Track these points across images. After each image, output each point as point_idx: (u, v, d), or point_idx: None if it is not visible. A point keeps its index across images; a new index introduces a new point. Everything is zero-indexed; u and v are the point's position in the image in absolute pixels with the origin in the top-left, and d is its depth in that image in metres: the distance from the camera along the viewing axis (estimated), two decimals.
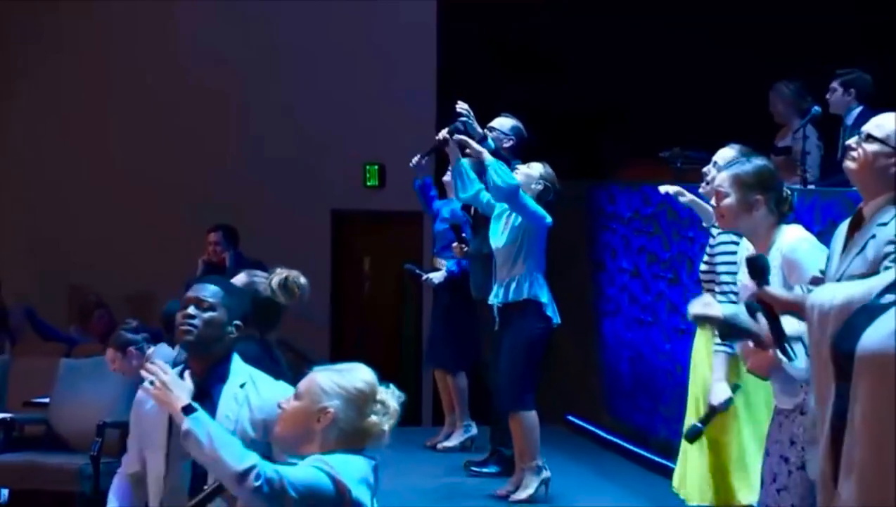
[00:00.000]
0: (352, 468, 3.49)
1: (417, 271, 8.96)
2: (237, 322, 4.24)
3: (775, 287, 3.97)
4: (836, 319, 3.56)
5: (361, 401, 3.57)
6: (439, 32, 11.35)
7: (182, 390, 3.70)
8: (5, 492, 9.04)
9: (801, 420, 4.54)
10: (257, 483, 3.40)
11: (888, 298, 3.34)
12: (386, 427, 3.58)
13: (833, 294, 3.63)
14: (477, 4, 10.73)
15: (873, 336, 3.19)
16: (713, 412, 5.31)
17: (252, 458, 3.49)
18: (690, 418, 5.60)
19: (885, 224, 3.91)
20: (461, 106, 7.57)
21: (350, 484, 3.46)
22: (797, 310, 3.83)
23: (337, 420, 3.53)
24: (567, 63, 9.99)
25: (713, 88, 9.05)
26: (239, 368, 4.23)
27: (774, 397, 4.75)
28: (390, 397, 3.61)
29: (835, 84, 7.70)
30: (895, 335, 3.12)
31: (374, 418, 3.56)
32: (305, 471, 3.46)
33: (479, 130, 7.56)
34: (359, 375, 3.62)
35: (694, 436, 5.25)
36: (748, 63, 8.94)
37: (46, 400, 9.20)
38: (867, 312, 3.32)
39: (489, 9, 10.51)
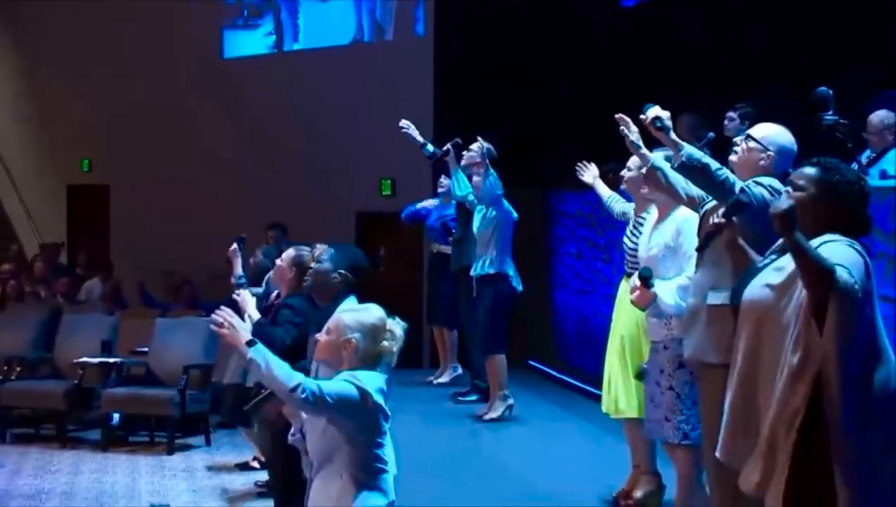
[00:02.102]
0: (372, 380, 3.52)
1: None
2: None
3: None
4: None
5: (376, 332, 3.59)
6: (435, 76, 11.42)
7: (244, 330, 3.51)
8: (116, 415, 9.18)
9: (665, 354, 4.58)
10: (303, 396, 3.39)
11: (770, 259, 3.28)
12: (395, 349, 3.62)
13: None
14: (462, 52, 10.80)
15: (750, 290, 3.20)
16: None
17: (299, 377, 3.43)
18: (613, 350, 5.41)
19: None
20: (403, 122, 7.70)
21: (371, 391, 3.49)
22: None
23: (358, 348, 3.56)
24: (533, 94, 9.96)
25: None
26: None
27: (647, 331, 4.75)
28: (397, 327, 3.64)
29: (732, 114, 7.47)
30: (765, 287, 3.13)
31: (385, 343, 3.60)
32: (338, 384, 3.48)
33: (420, 139, 7.74)
34: (373, 312, 3.65)
35: (641, 375, 4.91)
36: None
37: (146, 349, 9.34)
38: (752, 272, 3.30)
39: (473, 52, 10.57)
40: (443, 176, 8.37)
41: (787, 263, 3.09)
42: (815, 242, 3.04)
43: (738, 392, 3.19)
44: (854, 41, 7.84)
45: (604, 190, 6.12)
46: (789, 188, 3.23)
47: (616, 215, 5.95)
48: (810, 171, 3.22)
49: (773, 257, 3.26)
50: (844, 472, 2.93)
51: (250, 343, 3.46)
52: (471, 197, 7.56)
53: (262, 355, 3.44)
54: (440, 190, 8.64)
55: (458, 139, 7.58)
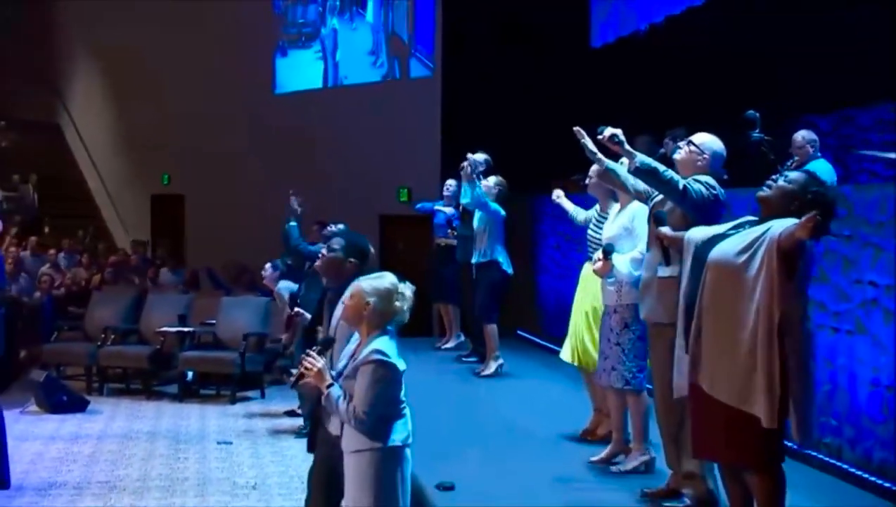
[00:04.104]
0: (391, 348, 3.46)
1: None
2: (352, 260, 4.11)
3: (667, 229, 3.86)
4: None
5: (389, 295, 3.51)
6: (442, 104, 11.41)
7: (327, 373, 3.48)
8: (190, 373, 9.23)
9: (615, 316, 4.58)
10: (355, 423, 3.40)
11: (731, 232, 3.37)
12: (405, 308, 3.54)
13: (695, 233, 3.60)
14: (464, 86, 10.74)
15: (719, 249, 3.29)
16: None
17: (341, 405, 3.41)
18: (580, 319, 5.32)
19: None
20: (468, 158, 7.27)
21: (395, 360, 3.44)
22: (677, 242, 3.78)
23: (375, 309, 3.48)
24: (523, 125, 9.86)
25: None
26: None
27: (602, 296, 4.70)
28: (407, 289, 3.56)
29: (667, 140, 6.99)
30: (733, 251, 3.23)
31: (398, 303, 3.52)
32: (369, 389, 3.38)
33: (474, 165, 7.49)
34: (387, 279, 3.56)
35: None
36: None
37: (214, 321, 9.42)
38: (716, 239, 3.39)
39: (473, 86, 10.49)
40: (448, 180, 8.40)
41: (751, 233, 3.25)
42: (781, 221, 3.20)
43: (709, 321, 3.26)
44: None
45: (568, 205, 6.05)
46: (781, 179, 3.34)
47: (579, 223, 5.87)
48: (802, 175, 3.38)
49: (740, 228, 3.36)
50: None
51: (330, 386, 3.46)
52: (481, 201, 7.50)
53: (336, 395, 3.45)
54: (445, 193, 8.64)
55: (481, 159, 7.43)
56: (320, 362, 3.50)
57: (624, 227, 4.70)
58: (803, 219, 2.99)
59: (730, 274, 3.20)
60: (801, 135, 6.81)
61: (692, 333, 3.29)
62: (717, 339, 3.24)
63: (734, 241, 3.28)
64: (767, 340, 3.09)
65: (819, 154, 6.79)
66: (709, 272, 3.29)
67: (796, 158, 6.80)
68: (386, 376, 3.40)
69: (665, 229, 3.83)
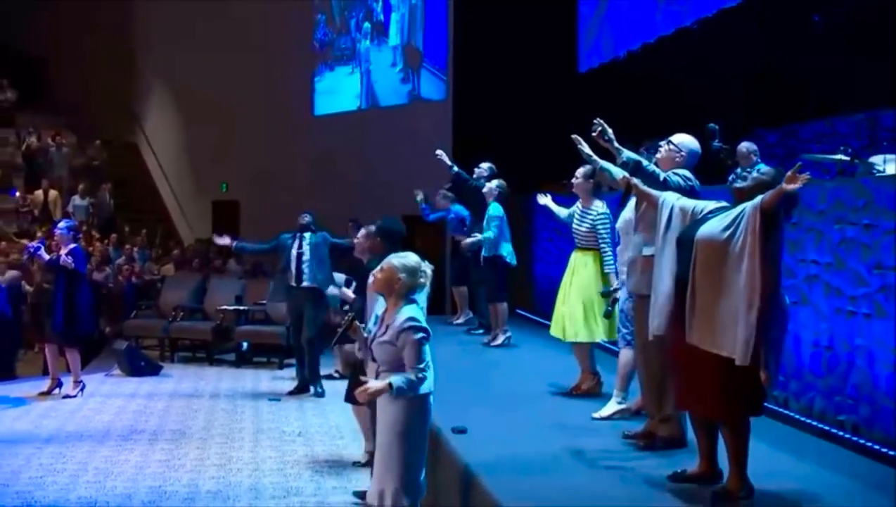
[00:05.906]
0: (420, 314, 3.49)
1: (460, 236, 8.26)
2: None
3: (639, 182, 3.84)
4: (676, 214, 3.53)
5: (414, 271, 3.53)
6: (453, 123, 11.44)
7: (379, 384, 3.38)
8: (245, 344, 9.26)
9: (624, 290, 4.49)
10: (425, 384, 3.41)
11: (711, 214, 3.36)
12: (426, 283, 3.56)
13: (675, 199, 3.61)
14: (472, 109, 10.79)
15: (705, 230, 3.27)
16: (607, 294, 4.94)
17: (424, 381, 3.39)
18: (573, 298, 5.32)
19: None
20: (439, 151, 7.48)
21: (425, 324, 3.46)
22: (647, 199, 3.74)
23: (403, 282, 3.51)
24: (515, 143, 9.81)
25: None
26: None
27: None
28: (427, 267, 3.59)
29: (642, 150, 7.28)
30: (718, 230, 3.21)
31: (421, 279, 3.55)
32: (416, 347, 3.38)
33: (449, 162, 7.56)
34: (413, 258, 3.59)
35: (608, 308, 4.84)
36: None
37: (264, 301, 9.42)
38: (699, 221, 3.37)
39: (479, 109, 10.50)
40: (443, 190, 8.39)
41: (731, 213, 3.24)
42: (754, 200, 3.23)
43: (702, 290, 3.23)
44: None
45: (552, 206, 5.89)
46: (755, 172, 3.40)
47: (564, 219, 5.72)
48: (772, 170, 3.44)
49: (719, 211, 3.35)
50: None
51: (390, 386, 3.35)
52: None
53: (399, 387, 3.36)
54: (441, 202, 8.61)
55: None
56: (371, 381, 3.46)
57: (627, 219, 4.67)
58: (789, 173, 2.96)
59: (717, 248, 3.20)
60: (745, 146, 6.79)
61: (687, 303, 3.28)
62: (712, 305, 3.21)
63: (716, 222, 3.28)
64: (750, 292, 3.07)
65: (760, 160, 6.76)
66: (698, 251, 3.27)
67: (740, 164, 6.77)
68: (423, 337, 3.43)
69: (637, 182, 3.83)
